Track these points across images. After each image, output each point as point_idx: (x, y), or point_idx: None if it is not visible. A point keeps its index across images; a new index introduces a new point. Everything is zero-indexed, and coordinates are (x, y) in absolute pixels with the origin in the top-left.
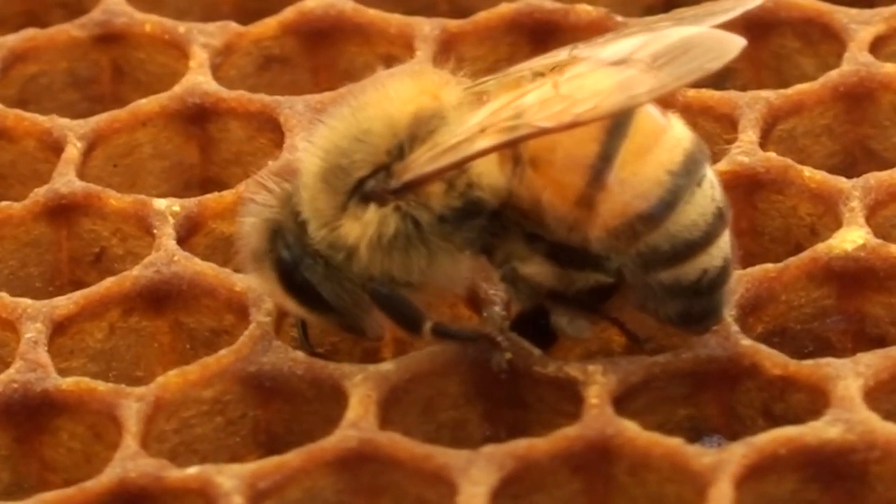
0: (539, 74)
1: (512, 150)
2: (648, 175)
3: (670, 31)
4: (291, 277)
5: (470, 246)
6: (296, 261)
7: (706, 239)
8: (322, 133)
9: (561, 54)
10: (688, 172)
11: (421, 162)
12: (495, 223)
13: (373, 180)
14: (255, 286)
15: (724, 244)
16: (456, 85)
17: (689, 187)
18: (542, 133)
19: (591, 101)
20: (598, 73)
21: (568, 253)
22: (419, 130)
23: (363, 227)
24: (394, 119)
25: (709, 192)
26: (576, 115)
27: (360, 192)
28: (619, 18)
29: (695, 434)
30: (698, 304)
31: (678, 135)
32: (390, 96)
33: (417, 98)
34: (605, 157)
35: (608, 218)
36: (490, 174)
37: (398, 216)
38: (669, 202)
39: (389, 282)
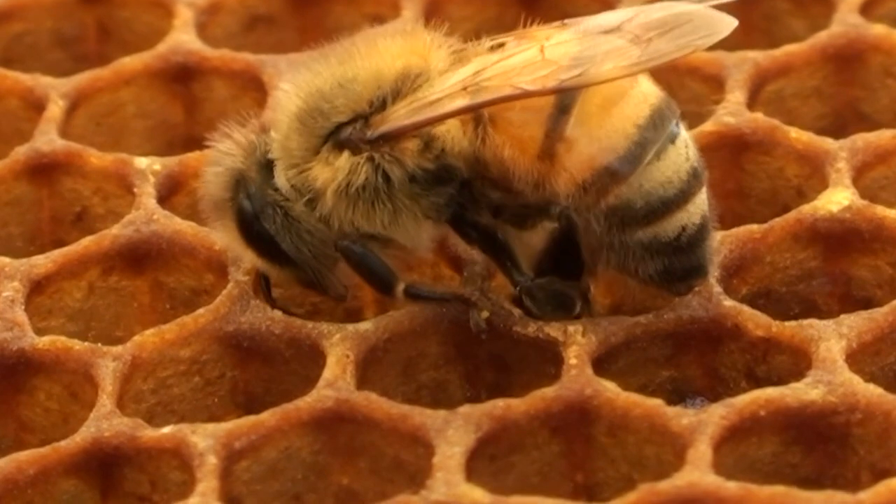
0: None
1: (473, 111)
2: (615, 127)
3: (662, 5)
4: (251, 227)
5: (436, 212)
6: (256, 211)
7: (681, 196)
8: (305, 76)
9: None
10: (655, 126)
11: (399, 115)
12: (464, 194)
13: (350, 128)
14: (217, 236)
15: (702, 202)
16: (446, 48)
17: (656, 141)
18: (525, 96)
19: (577, 69)
20: (585, 41)
21: (513, 209)
22: (403, 86)
23: (333, 172)
24: (381, 72)
25: (683, 151)
26: (560, 80)
27: (336, 138)
28: None
29: (678, 396)
30: (678, 261)
31: (645, 90)
32: (380, 50)
33: (406, 56)
34: (562, 108)
35: (575, 172)
36: (457, 139)
37: (370, 167)
38: (637, 154)
39: (352, 231)
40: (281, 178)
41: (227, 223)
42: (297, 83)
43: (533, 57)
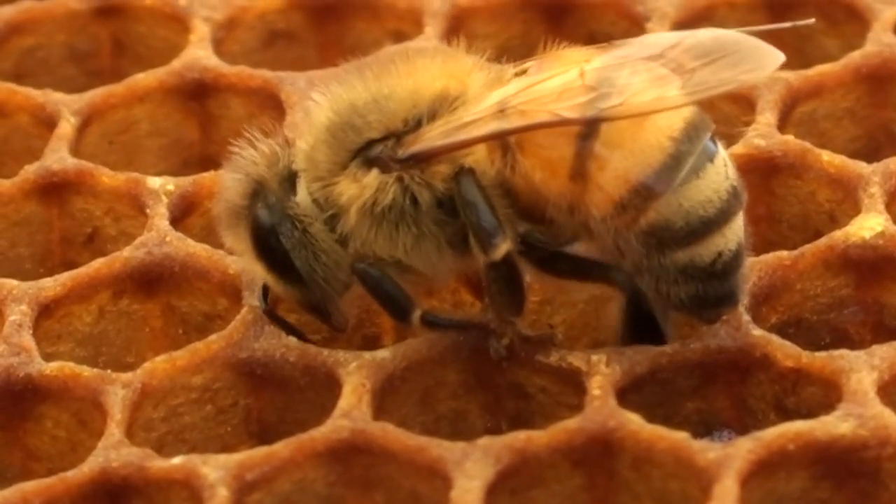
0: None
1: (508, 136)
2: (649, 141)
3: (709, 31)
4: (266, 239)
5: (461, 243)
6: (274, 223)
7: (721, 217)
8: (338, 90)
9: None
10: (689, 139)
11: (432, 135)
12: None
13: (381, 145)
14: (228, 244)
15: (739, 227)
16: (486, 72)
17: (692, 154)
18: (562, 123)
19: (618, 98)
20: (627, 68)
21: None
22: (441, 108)
23: (360, 189)
24: (418, 91)
25: (722, 170)
26: (600, 109)
27: (365, 155)
28: None
29: (704, 429)
30: (712, 287)
31: None
32: (418, 69)
33: (446, 78)
34: (591, 125)
35: (611, 189)
36: (485, 168)
37: (399, 188)
38: (673, 168)
39: (370, 254)
40: (303, 192)
41: (241, 232)
42: (330, 95)
43: (572, 81)
